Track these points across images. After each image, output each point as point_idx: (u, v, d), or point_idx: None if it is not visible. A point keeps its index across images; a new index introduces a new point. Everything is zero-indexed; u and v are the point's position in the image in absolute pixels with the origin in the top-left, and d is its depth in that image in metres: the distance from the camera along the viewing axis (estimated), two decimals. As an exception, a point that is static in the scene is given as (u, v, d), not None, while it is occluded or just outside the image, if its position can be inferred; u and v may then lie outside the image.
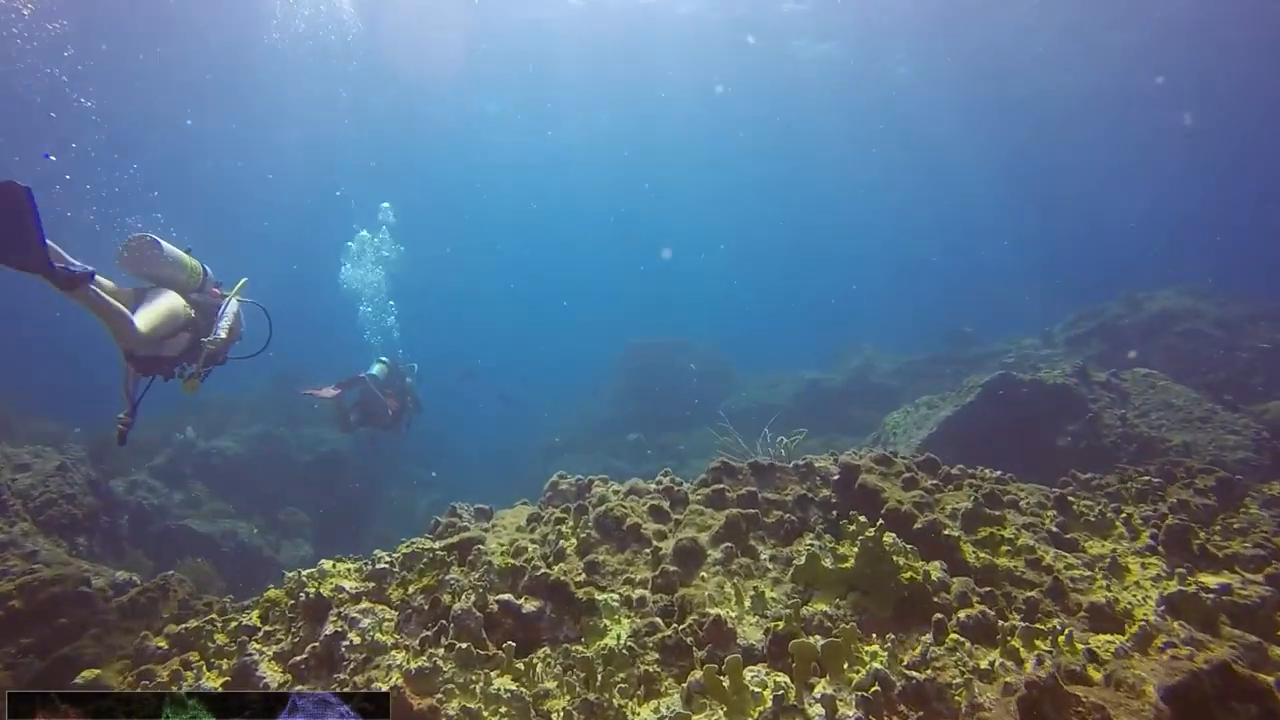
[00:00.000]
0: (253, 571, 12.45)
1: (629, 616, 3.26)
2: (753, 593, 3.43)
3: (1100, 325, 16.67)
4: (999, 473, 5.40)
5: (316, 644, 3.07)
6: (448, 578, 3.31)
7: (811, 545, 3.88)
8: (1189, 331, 15.21)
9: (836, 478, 4.51)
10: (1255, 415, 10.68)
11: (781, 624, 2.94)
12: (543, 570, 3.29)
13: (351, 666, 2.92)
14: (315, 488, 16.39)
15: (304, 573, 3.54)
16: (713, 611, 3.28)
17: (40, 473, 9.33)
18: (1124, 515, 4.51)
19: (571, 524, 4.08)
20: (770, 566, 3.73)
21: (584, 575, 3.60)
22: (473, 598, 3.18)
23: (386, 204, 20.15)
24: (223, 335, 5.22)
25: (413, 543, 3.55)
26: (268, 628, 3.39)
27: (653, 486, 4.98)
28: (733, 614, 3.32)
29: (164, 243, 5.11)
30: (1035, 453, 10.34)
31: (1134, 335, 15.94)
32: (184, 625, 3.79)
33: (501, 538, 4.24)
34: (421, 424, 12.85)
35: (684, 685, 2.78)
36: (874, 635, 3.34)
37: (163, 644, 3.74)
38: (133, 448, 15.97)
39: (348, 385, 10.70)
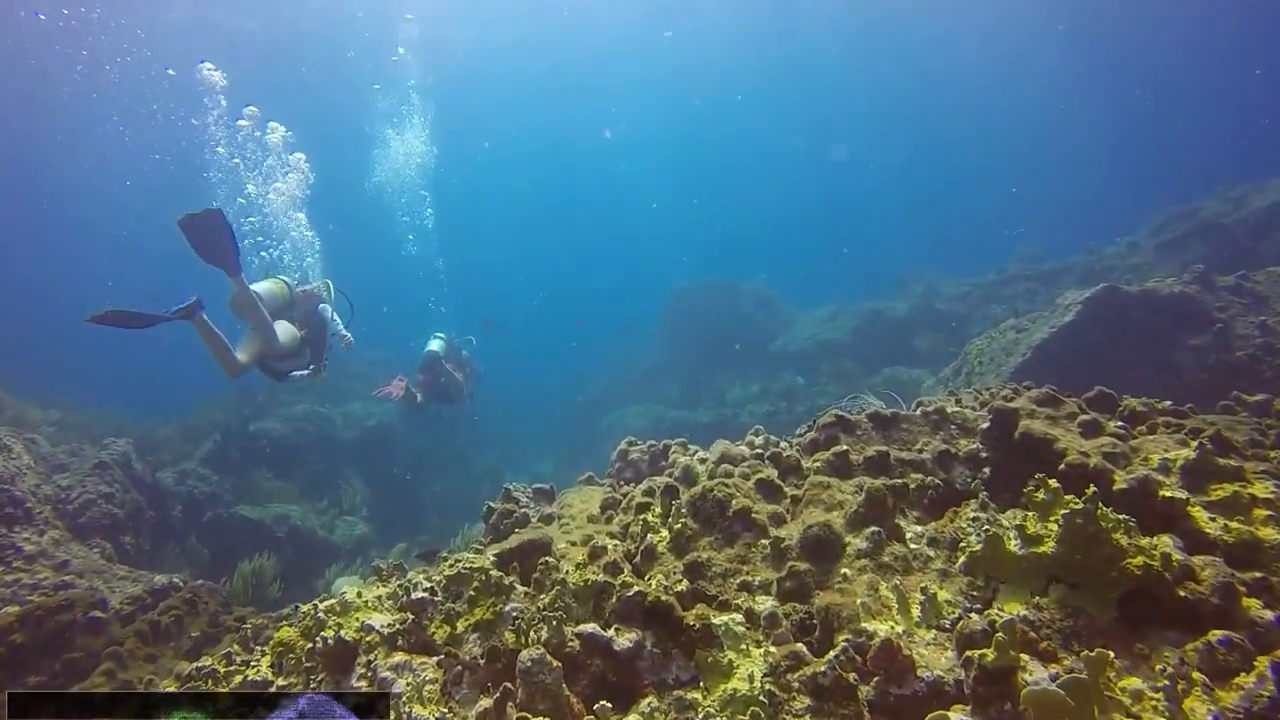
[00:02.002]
0: (309, 555, 12.06)
1: (759, 643, 2.38)
2: (920, 595, 2.50)
3: (1199, 225, 14.95)
4: (1168, 403, 4.33)
5: None
6: (508, 608, 2.47)
7: (979, 518, 2.93)
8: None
9: (987, 426, 3.52)
10: None
11: (991, 656, 2.01)
12: (636, 588, 2.41)
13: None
14: (365, 463, 16.01)
15: (322, 605, 2.76)
16: (872, 627, 2.38)
17: (78, 472, 8.88)
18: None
19: (659, 510, 3.19)
20: (930, 553, 2.79)
21: (687, 584, 2.72)
22: (544, 634, 2.33)
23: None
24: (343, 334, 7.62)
25: (459, 559, 2.72)
26: (281, 681, 2.62)
27: (747, 450, 4.06)
28: (899, 629, 2.41)
29: (258, 287, 6.38)
30: (1151, 375, 9.12)
31: (1241, 234, 14.24)
32: (195, 665, 3.06)
33: (572, 533, 3.39)
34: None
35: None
36: (1097, 645, 2.40)
37: (172, 686, 3.02)
38: (180, 434, 15.68)
39: (404, 382, 10.54)
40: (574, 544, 3.24)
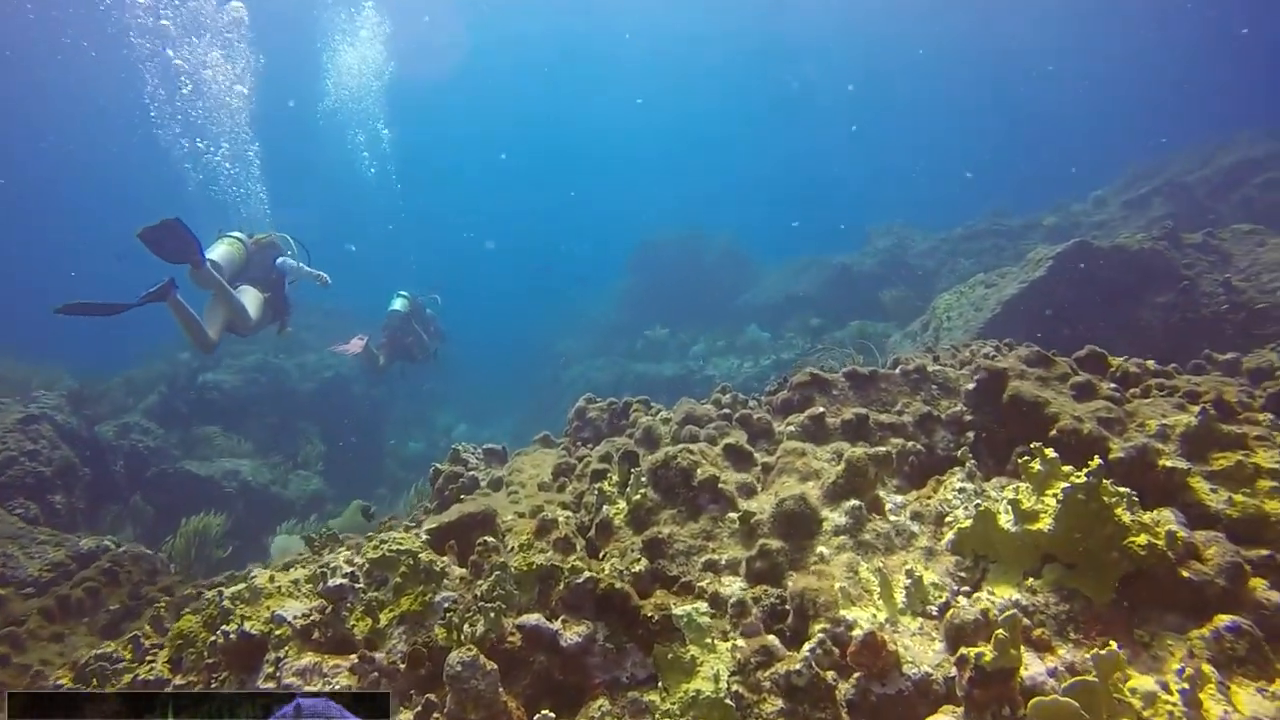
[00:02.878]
0: (261, 512, 11.61)
1: (725, 635, 2.10)
2: (904, 577, 2.25)
3: (1165, 183, 14.93)
4: (1153, 362, 4.14)
5: None
6: (438, 598, 2.15)
7: (966, 489, 2.68)
8: (1272, 181, 13.50)
9: (973, 386, 3.26)
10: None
11: (990, 655, 1.76)
12: (587, 574, 2.10)
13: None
14: (322, 416, 15.47)
15: (228, 591, 2.40)
16: (852, 615, 2.11)
17: (-5, 428, 8.27)
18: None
19: (617, 479, 2.89)
20: (914, 528, 2.53)
21: (646, 563, 2.42)
22: (480, 627, 2.02)
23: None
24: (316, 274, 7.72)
25: (384, 539, 2.37)
26: (179, 680, 2.28)
27: (714, 410, 3.77)
28: (881, 616, 2.15)
29: (215, 255, 6.28)
30: (1118, 332, 9.06)
31: (1204, 192, 14.26)
32: (94, 653, 2.69)
33: (520, 503, 3.07)
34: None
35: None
36: (1095, 632, 2.19)
37: (65, 679, 2.66)
38: (124, 387, 14.92)
39: (364, 340, 10.12)
40: (522, 515, 2.92)
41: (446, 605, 2.13)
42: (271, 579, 2.43)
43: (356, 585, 2.23)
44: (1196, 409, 2.82)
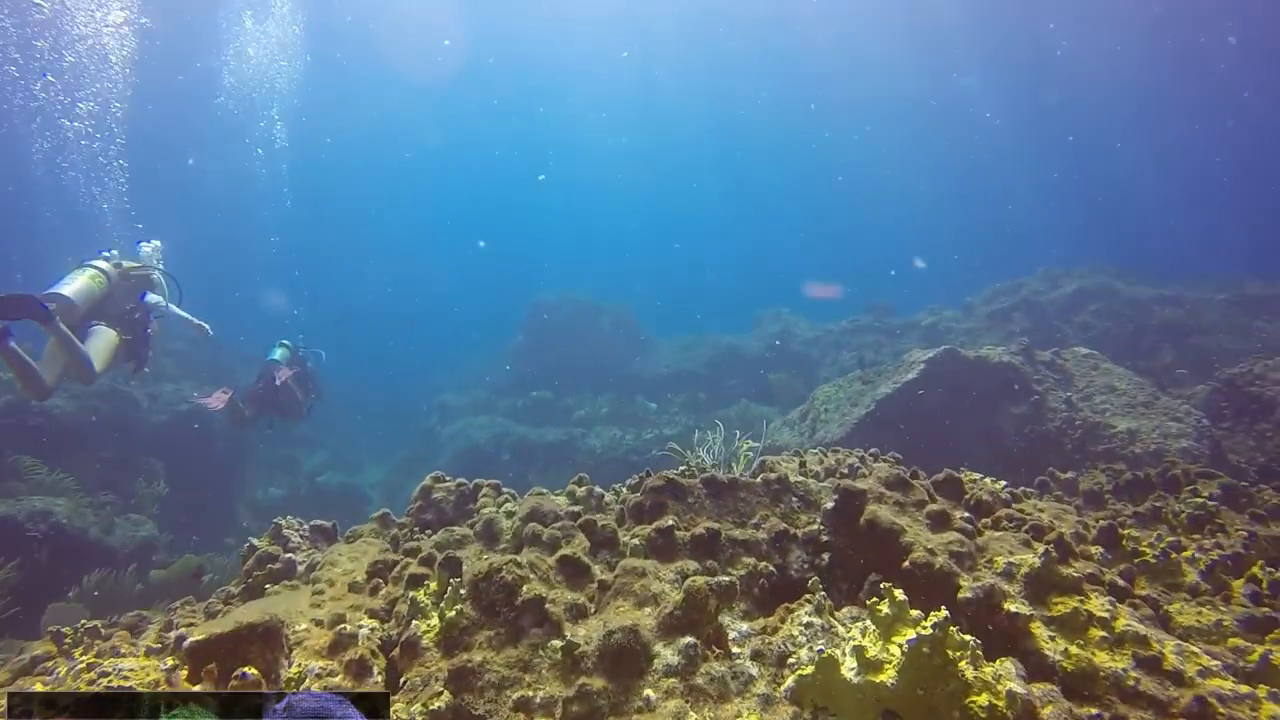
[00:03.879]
0: (73, 561, 10.08)
1: (521, 808, 1.77)
2: (736, 734, 2.00)
3: (1022, 300, 16.34)
4: (1007, 487, 4.23)
5: None
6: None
7: (812, 625, 2.50)
8: (1103, 310, 15.03)
9: (831, 506, 3.14)
10: (1185, 399, 10.31)
11: None
12: (358, 728, 1.73)
13: None
14: (171, 453, 13.88)
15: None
16: (671, 783, 1.83)
17: None
18: (1187, 554, 3.40)
19: (434, 587, 2.52)
20: (753, 670, 2.31)
21: (449, 697, 2.07)
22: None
23: None
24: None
25: (105, 673, 1.88)
26: None
27: (564, 503, 3.48)
28: (705, 783, 1.89)
29: (69, 291, 5.90)
30: (976, 437, 9.57)
31: (1053, 312, 15.70)
32: None
33: (323, 605, 2.64)
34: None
35: None
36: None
37: None
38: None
39: (229, 394, 9.38)
40: (319, 624, 2.49)
41: (167, 770, 1.69)
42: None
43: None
44: (1040, 548, 2.80)
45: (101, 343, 6.21)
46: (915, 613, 2.30)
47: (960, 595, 2.61)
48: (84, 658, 2.23)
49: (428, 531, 3.69)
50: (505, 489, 3.92)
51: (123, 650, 2.50)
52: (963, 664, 2.15)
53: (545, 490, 3.67)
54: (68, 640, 2.74)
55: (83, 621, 2.96)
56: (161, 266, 7.71)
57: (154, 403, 14.88)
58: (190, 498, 13.13)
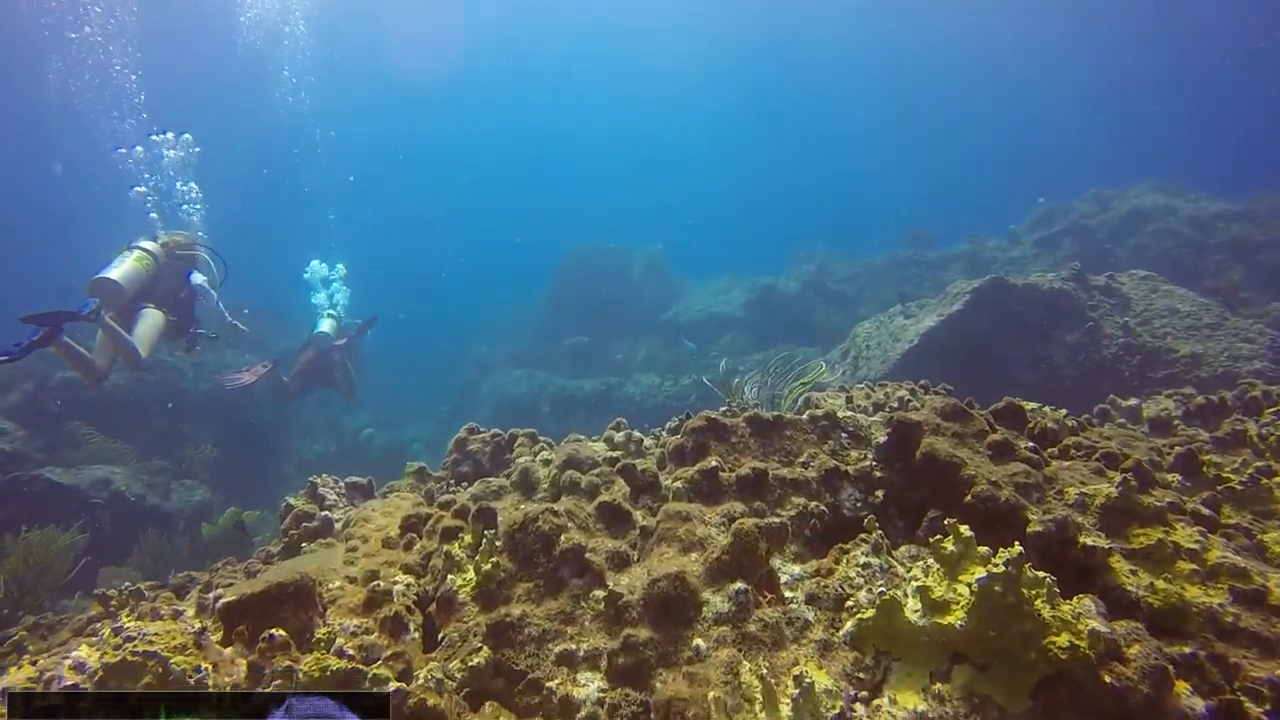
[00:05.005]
0: (133, 525, 10.46)
1: (568, 767, 1.67)
2: (792, 684, 1.87)
3: (1071, 225, 15.56)
4: (1068, 416, 3.98)
5: None
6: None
7: (870, 565, 2.34)
8: (1160, 231, 14.20)
9: (884, 440, 2.95)
10: (1257, 318, 9.74)
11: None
12: (392, 686, 1.63)
13: None
14: (218, 419, 14.24)
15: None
16: (727, 737, 1.71)
17: None
18: (1279, 480, 3.14)
19: (470, 539, 2.42)
20: (809, 615, 2.16)
21: (488, 652, 1.97)
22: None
23: None
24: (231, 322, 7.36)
25: (131, 637, 1.81)
26: None
27: (603, 450, 3.35)
28: (763, 736, 1.76)
29: (117, 275, 6.04)
30: (1027, 368, 9.20)
31: (1104, 235, 14.91)
32: None
33: (357, 562, 2.56)
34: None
35: None
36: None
37: None
38: (-20, 385, 13.36)
39: (268, 369, 9.60)
40: (354, 581, 2.42)
41: (196, 737, 1.62)
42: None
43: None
44: (1117, 477, 2.57)
45: (148, 327, 6.40)
46: (983, 549, 2.12)
47: (1029, 530, 2.41)
48: (128, 620, 2.19)
49: (464, 484, 3.61)
50: (542, 438, 3.81)
51: (163, 612, 2.46)
52: (1039, 602, 1.97)
53: (582, 437, 3.55)
54: (114, 603, 2.72)
55: (127, 584, 2.95)
56: (206, 240, 7.84)
57: (198, 372, 15.20)
58: (240, 461, 13.48)
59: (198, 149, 9.46)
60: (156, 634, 1.78)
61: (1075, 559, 2.35)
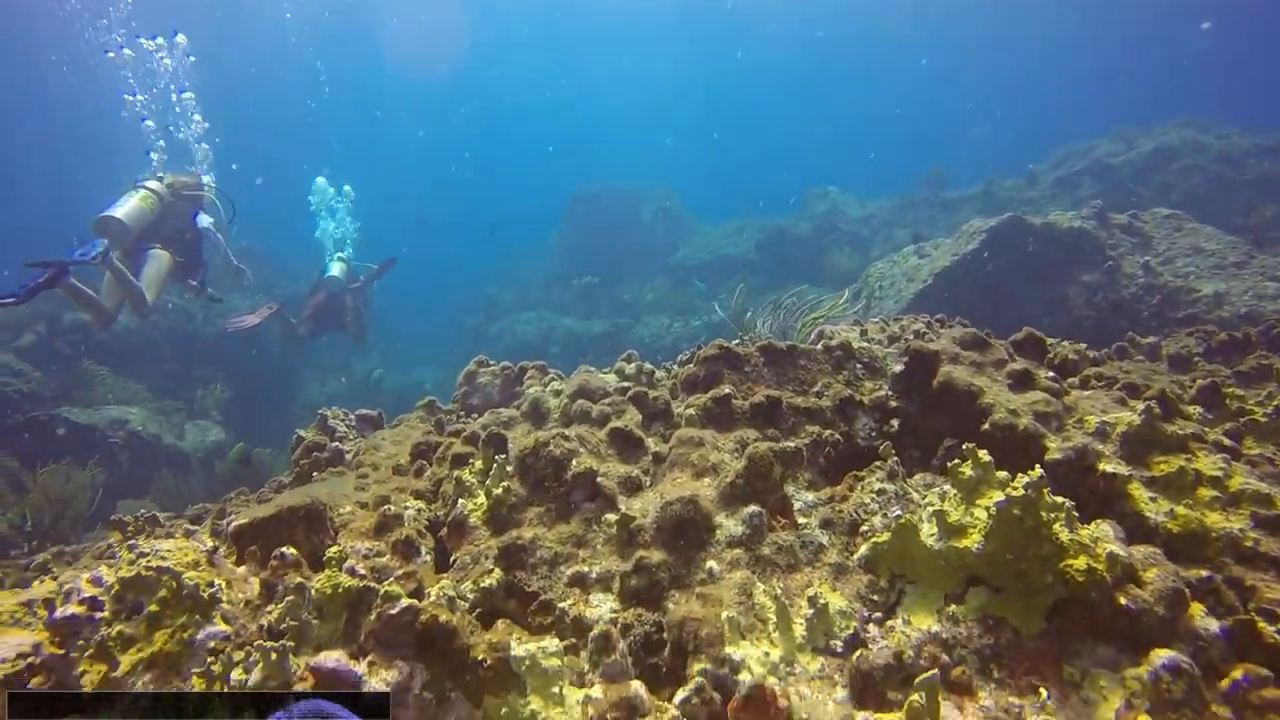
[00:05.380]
0: (150, 465, 10.61)
1: (582, 681, 1.68)
2: (806, 605, 1.86)
3: (1093, 163, 15.11)
4: (1085, 347, 3.90)
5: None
6: (200, 636, 1.64)
7: (885, 492, 2.31)
8: (1187, 168, 13.77)
9: (900, 369, 2.90)
10: (1282, 258, 9.50)
11: (903, 723, 1.39)
12: (403, 604, 1.63)
13: None
14: (228, 361, 14.34)
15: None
16: (740, 654, 1.72)
17: None
18: (1301, 411, 3.08)
19: (480, 465, 2.41)
20: (823, 539, 2.15)
21: (499, 576, 1.97)
22: (257, 673, 1.54)
23: None
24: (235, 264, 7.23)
25: (144, 551, 1.83)
26: None
27: (614, 381, 3.31)
28: (775, 654, 1.76)
29: (121, 214, 5.96)
30: (1042, 309, 9.06)
31: (1128, 174, 14.47)
32: None
33: (368, 489, 2.56)
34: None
35: None
36: (1021, 670, 1.86)
37: None
38: (-7, 326, 13.43)
39: (273, 310, 9.35)
40: (364, 506, 2.42)
41: (212, 644, 1.63)
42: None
43: (98, 615, 1.70)
44: (1140, 406, 2.52)
45: (155, 270, 6.30)
46: (1002, 474, 2.09)
47: (1048, 458, 2.37)
48: (143, 542, 2.19)
49: (474, 416, 3.60)
50: (552, 370, 3.77)
51: (176, 535, 2.48)
52: (1057, 526, 1.95)
53: (593, 369, 3.50)
54: (130, 528, 2.74)
55: (143, 510, 2.98)
56: (213, 181, 7.72)
57: (208, 314, 15.22)
58: (251, 403, 13.59)
59: (192, 58, 9.18)
60: (169, 550, 1.78)
61: (1094, 486, 2.31)
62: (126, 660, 1.63)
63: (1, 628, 1.82)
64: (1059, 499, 1.98)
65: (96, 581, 1.74)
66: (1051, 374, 2.83)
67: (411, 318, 21.23)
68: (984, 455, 2.09)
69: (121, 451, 10.61)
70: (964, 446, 2.14)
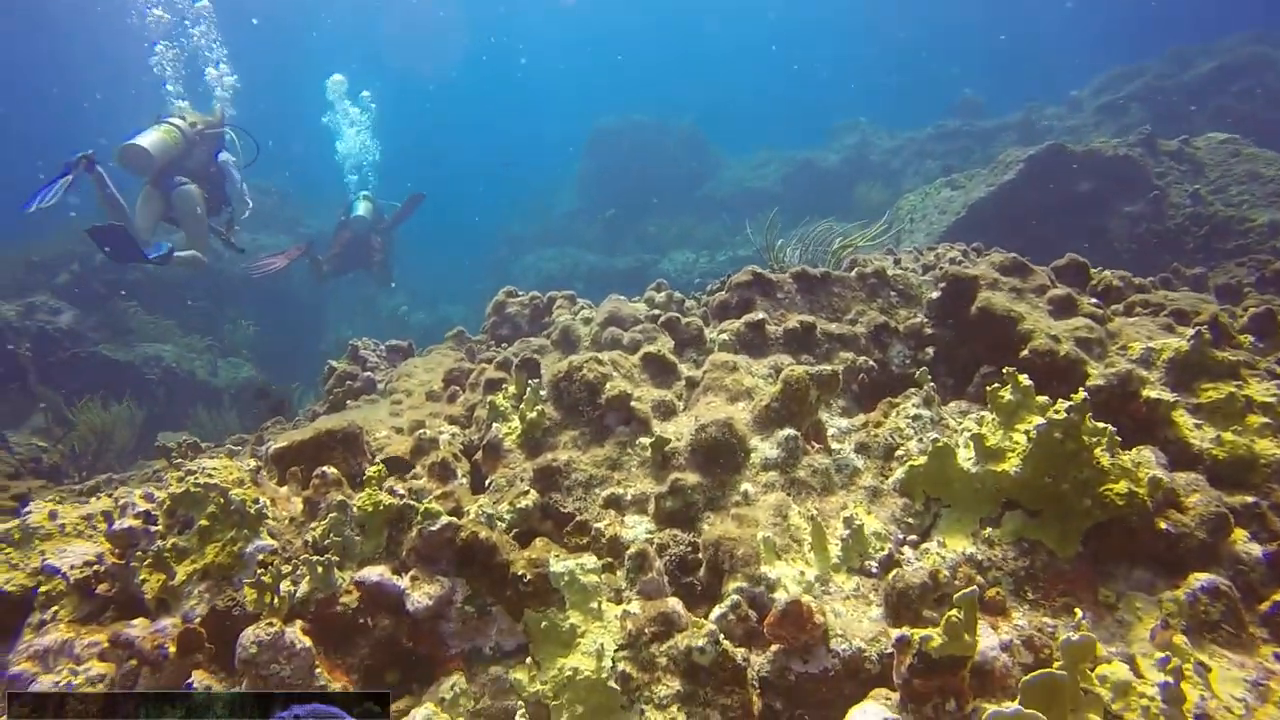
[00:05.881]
0: (185, 400, 10.89)
1: (619, 597, 1.71)
2: (841, 526, 1.87)
3: (1142, 87, 14.34)
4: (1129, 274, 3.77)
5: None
6: (250, 549, 1.69)
7: (921, 417, 2.29)
8: (1248, 90, 13.01)
9: (937, 295, 2.83)
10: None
11: (938, 641, 1.40)
12: (442, 521, 1.66)
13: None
14: (256, 299, 14.51)
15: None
16: (775, 573, 1.73)
17: None
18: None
19: (513, 390, 2.42)
20: (858, 462, 2.14)
21: (534, 497, 2.00)
22: (305, 586, 1.59)
23: None
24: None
25: (193, 469, 1.89)
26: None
27: (644, 309, 3.29)
28: (810, 573, 1.78)
29: (146, 143, 5.88)
30: (1081, 242, 8.76)
31: (1181, 99, 13.71)
32: None
33: (402, 415, 2.59)
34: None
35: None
36: (1056, 591, 1.86)
37: None
38: (23, 264, 13.67)
39: (301, 251, 9.58)
40: (399, 431, 2.45)
41: (261, 557, 1.68)
42: (52, 514, 1.94)
43: (153, 528, 1.76)
44: (1189, 331, 2.44)
45: (193, 216, 6.42)
46: (1042, 399, 2.05)
47: (1090, 383, 2.32)
48: (190, 463, 2.25)
49: (503, 345, 3.60)
50: (581, 299, 3.75)
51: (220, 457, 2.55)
52: (1098, 451, 1.91)
53: (623, 297, 3.48)
54: (174, 453, 2.81)
55: (185, 436, 3.05)
56: (233, 117, 7.70)
57: (234, 255, 15.27)
58: (278, 340, 13.77)
59: None
60: (216, 469, 1.83)
61: (1137, 412, 2.26)
62: (182, 570, 1.69)
63: (66, 538, 1.90)
64: (1102, 425, 1.94)
65: (149, 498, 1.80)
66: (1095, 300, 2.75)
67: (434, 255, 21.18)
68: (1024, 379, 2.05)
69: (157, 388, 10.89)
70: (1004, 371, 2.09)
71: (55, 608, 1.70)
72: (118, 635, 1.54)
